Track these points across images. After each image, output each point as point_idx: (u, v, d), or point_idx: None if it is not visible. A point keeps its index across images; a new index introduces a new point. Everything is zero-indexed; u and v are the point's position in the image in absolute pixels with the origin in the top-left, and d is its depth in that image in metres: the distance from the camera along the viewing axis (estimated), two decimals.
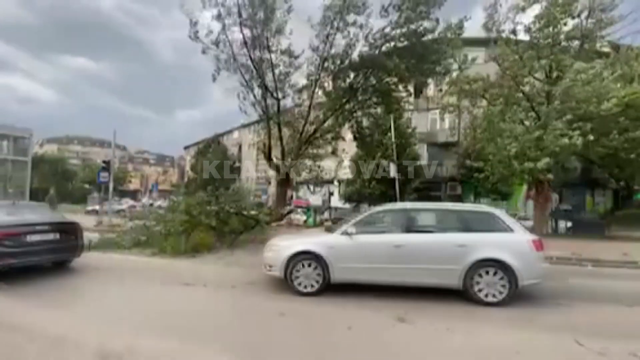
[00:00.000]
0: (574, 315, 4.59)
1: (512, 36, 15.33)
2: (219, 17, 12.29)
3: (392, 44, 12.24)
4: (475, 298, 4.80)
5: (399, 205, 6.27)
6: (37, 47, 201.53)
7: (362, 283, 5.24)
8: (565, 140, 12.65)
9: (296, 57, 13.23)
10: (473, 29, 15.49)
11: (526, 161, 13.54)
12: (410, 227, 5.31)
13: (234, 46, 12.77)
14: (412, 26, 11.78)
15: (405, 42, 12.17)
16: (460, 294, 4.98)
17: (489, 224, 5.14)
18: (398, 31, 11.97)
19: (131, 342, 3.41)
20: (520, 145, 13.60)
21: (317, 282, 5.13)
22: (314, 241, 5.48)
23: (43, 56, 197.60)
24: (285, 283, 5.31)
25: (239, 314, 4.59)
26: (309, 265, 5.15)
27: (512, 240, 4.99)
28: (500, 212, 5.36)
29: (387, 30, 12.07)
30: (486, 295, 4.79)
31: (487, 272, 4.81)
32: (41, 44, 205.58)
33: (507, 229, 5.07)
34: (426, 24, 11.86)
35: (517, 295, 4.90)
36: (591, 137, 12.82)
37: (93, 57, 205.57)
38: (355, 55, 12.59)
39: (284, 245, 5.47)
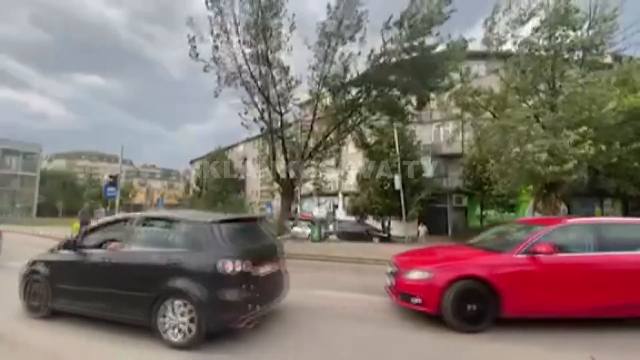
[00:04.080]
0: None
1: (512, 49, 15.36)
2: (223, 33, 12.49)
3: (393, 59, 12.29)
4: None
5: None
6: (49, 65, 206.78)
7: None
8: (581, 150, 12.24)
9: (297, 82, 13.48)
10: (474, 42, 15.56)
11: (554, 165, 12.97)
12: None
13: (237, 60, 12.94)
14: (414, 42, 11.88)
15: (406, 57, 12.24)
16: None
17: None
18: (399, 47, 12.07)
19: None
20: (551, 149, 12.98)
21: None
22: None
23: (55, 74, 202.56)
24: None
25: None
26: None
27: None
28: None
29: (389, 45, 12.18)
30: None
31: None
32: (53, 63, 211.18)
33: None
34: (428, 40, 11.95)
35: None
36: (603, 147, 12.48)
37: (103, 75, 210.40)
38: (355, 72, 12.65)
39: None
